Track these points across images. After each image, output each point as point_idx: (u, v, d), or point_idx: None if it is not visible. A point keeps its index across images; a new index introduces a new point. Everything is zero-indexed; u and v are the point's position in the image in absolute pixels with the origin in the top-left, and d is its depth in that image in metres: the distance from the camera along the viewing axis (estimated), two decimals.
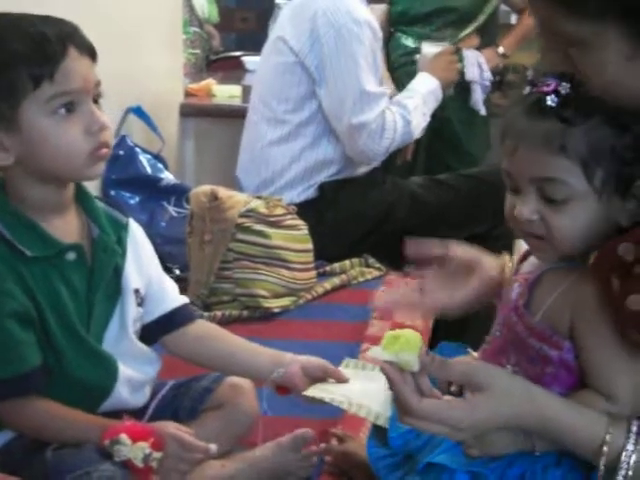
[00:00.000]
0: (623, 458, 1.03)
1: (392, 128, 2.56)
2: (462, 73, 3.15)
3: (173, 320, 1.48)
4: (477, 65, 3.29)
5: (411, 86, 2.77)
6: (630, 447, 1.03)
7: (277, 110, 2.64)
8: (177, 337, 1.49)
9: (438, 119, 2.95)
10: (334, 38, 2.49)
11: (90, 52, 1.28)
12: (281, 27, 2.67)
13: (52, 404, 1.30)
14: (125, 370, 1.37)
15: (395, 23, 3.43)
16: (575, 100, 1.05)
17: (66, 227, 1.33)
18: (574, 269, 1.11)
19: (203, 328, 1.53)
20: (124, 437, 1.21)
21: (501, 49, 3.43)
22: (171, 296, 1.49)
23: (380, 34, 2.62)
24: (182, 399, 1.47)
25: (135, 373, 1.40)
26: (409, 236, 2.64)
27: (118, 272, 1.37)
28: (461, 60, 3.16)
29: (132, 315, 1.39)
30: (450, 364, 1.07)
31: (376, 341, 1.74)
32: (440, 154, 3.35)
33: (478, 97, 3.29)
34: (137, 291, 1.40)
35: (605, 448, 1.03)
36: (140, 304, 1.41)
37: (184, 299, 1.52)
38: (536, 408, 1.05)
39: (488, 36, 3.39)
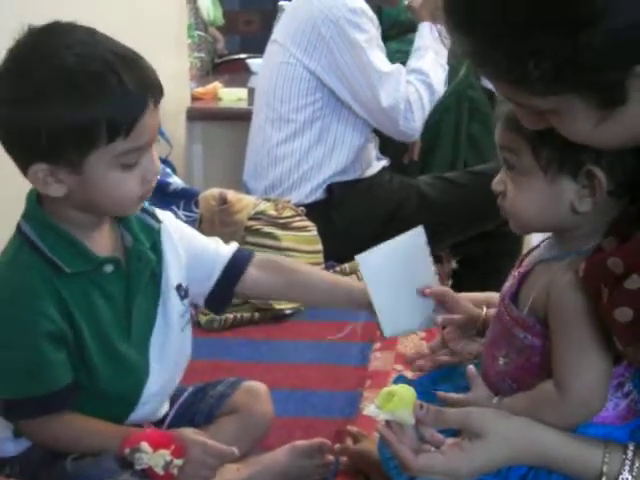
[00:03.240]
0: None
1: (418, 99, 2.60)
2: None
3: (235, 267, 1.49)
4: None
5: (417, 44, 2.77)
6: (626, 474, 1.05)
7: (281, 110, 2.65)
8: (247, 279, 1.49)
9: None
10: (337, 33, 2.51)
11: (160, 100, 1.23)
12: (279, 29, 2.70)
13: (74, 416, 1.30)
14: (155, 382, 1.37)
15: (387, 37, 3.46)
16: None
17: (102, 240, 1.32)
18: (561, 262, 1.13)
19: (265, 258, 1.55)
20: (145, 445, 1.21)
21: None
22: (220, 251, 1.50)
23: (376, 22, 2.61)
24: (199, 404, 1.48)
25: (167, 382, 1.41)
26: None
27: (155, 276, 1.37)
28: None
29: (176, 311, 1.40)
30: (445, 414, 1.11)
31: (387, 341, 1.76)
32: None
33: None
34: (179, 286, 1.41)
35: (604, 478, 1.05)
36: (184, 296, 1.42)
37: (234, 246, 1.52)
38: (533, 445, 1.08)
39: None
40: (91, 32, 1.22)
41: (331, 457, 1.49)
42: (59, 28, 1.22)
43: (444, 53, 2.74)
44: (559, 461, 1.08)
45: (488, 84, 3.28)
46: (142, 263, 1.35)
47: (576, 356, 1.09)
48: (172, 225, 1.44)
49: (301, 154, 2.63)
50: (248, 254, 1.52)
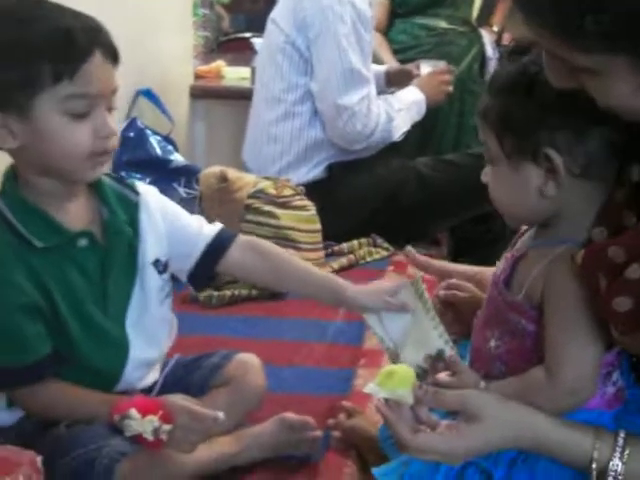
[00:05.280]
0: (610, 471, 1.06)
1: (375, 119, 2.59)
2: (482, 53, 3.21)
3: (217, 247, 1.49)
4: (490, 43, 3.38)
5: (398, 94, 2.80)
6: (617, 461, 1.06)
7: (274, 90, 2.67)
8: (229, 259, 1.50)
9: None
10: (319, 20, 2.52)
11: (114, 58, 1.28)
12: (277, 8, 2.72)
13: (63, 385, 1.32)
14: (137, 353, 1.39)
15: (396, 14, 3.47)
16: (507, 79, 1.15)
17: (77, 212, 1.34)
18: (555, 248, 1.14)
19: (249, 240, 1.55)
20: (133, 412, 1.22)
21: (495, 27, 3.52)
22: (204, 230, 1.50)
23: (368, 17, 2.61)
24: (192, 375, 1.50)
25: (148, 353, 1.43)
26: (417, 215, 2.69)
27: (132, 250, 1.39)
28: (480, 39, 3.25)
29: (155, 285, 1.41)
30: (443, 395, 1.12)
31: None
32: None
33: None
34: (157, 261, 1.42)
35: (594, 464, 1.06)
36: (163, 271, 1.43)
37: (217, 226, 1.53)
38: (527, 430, 1.09)
39: (482, 16, 3.48)
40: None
41: (318, 432, 1.50)
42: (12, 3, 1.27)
43: (414, 115, 2.77)
44: (551, 446, 1.09)
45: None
46: (118, 237, 1.37)
47: (569, 345, 1.10)
48: (154, 200, 1.45)
49: (293, 134, 2.65)
50: (231, 235, 1.53)
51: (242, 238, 1.54)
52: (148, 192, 1.45)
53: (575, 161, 1.10)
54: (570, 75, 0.97)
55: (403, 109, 2.72)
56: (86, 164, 1.29)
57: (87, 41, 1.23)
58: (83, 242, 1.33)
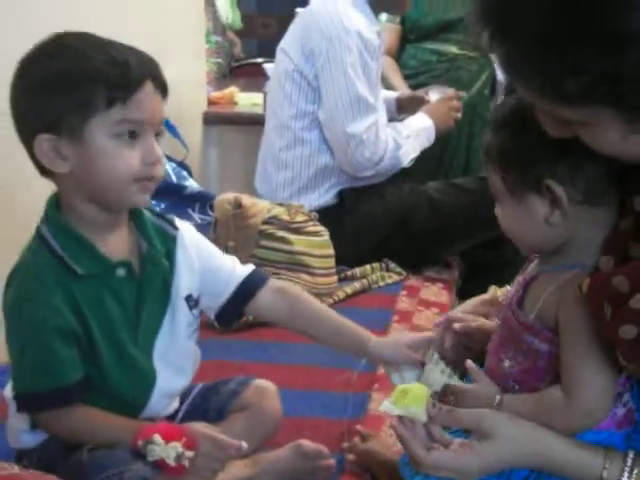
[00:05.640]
0: None
1: (383, 146, 2.62)
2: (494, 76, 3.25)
3: (248, 288, 1.52)
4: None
5: (407, 121, 2.83)
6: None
7: (282, 117, 2.70)
8: (258, 302, 1.53)
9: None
10: (326, 48, 2.56)
11: (163, 91, 1.33)
12: (286, 37, 2.76)
13: (87, 409, 1.34)
14: (163, 383, 1.42)
15: (407, 39, 3.49)
16: (506, 114, 1.18)
17: (117, 242, 1.37)
18: (565, 273, 1.17)
19: (282, 286, 1.58)
20: (157, 437, 1.24)
21: None
22: (236, 270, 1.53)
23: (375, 46, 2.64)
24: (210, 401, 1.52)
25: (174, 384, 1.45)
26: (428, 240, 2.70)
27: (167, 283, 1.41)
28: (491, 64, 3.28)
29: (184, 320, 1.44)
30: (457, 413, 1.15)
31: None
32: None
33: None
34: (189, 296, 1.45)
35: None
36: (193, 307, 1.46)
37: (250, 267, 1.56)
38: (538, 449, 1.12)
39: None
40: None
41: (332, 461, 1.52)
42: (73, 35, 1.33)
43: (423, 142, 2.79)
44: (562, 466, 1.11)
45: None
46: (155, 269, 1.39)
47: (585, 369, 1.12)
48: (191, 236, 1.48)
49: (302, 161, 2.68)
50: (263, 277, 1.56)
51: (274, 282, 1.57)
52: (186, 228, 1.48)
53: (576, 189, 1.12)
54: (563, 126, 1.01)
55: (411, 136, 2.74)
56: (132, 188, 1.31)
57: (140, 71, 1.28)
58: (121, 272, 1.36)
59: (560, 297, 1.16)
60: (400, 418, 1.16)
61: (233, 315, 1.55)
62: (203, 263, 1.48)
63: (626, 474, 1.08)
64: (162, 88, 1.33)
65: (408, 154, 2.72)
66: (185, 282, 1.44)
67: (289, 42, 2.70)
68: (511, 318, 1.23)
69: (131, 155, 1.29)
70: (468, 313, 1.44)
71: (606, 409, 1.14)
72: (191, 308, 1.45)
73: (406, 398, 1.17)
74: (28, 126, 1.30)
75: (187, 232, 1.48)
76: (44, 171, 1.32)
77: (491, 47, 0.97)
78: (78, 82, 1.26)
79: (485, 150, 1.21)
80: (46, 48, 1.30)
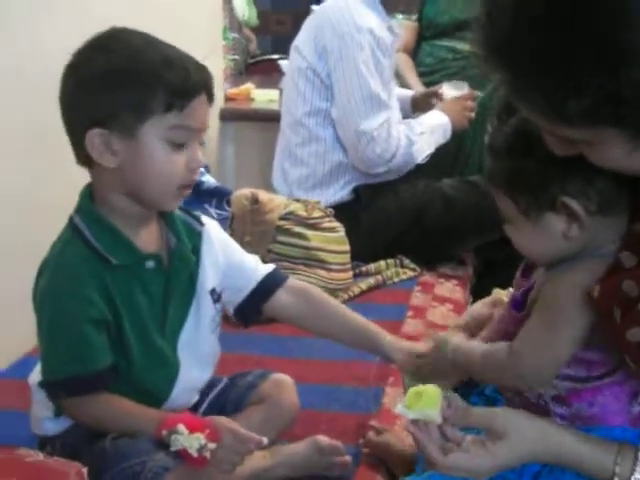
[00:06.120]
0: None
1: (395, 143, 2.62)
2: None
3: (267, 286, 1.56)
4: None
5: (422, 117, 2.84)
6: (638, 475, 1.10)
7: (296, 114, 2.72)
8: (276, 301, 1.57)
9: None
10: (338, 46, 2.58)
11: (212, 100, 1.37)
12: (300, 34, 2.77)
13: (112, 397, 1.37)
14: (186, 376, 1.45)
15: (423, 36, 3.49)
16: (507, 140, 1.18)
17: (148, 236, 1.41)
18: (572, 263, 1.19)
19: (301, 287, 1.61)
20: (182, 427, 1.26)
21: None
22: (258, 267, 1.57)
23: (387, 43, 2.65)
24: (229, 394, 1.55)
25: (196, 377, 1.48)
26: (443, 236, 2.72)
27: (193, 277, 1.45)
28: None
29: (209, 313, 1.48)
30: (470, 413, 1.17)
31: (410, 339, 1.81)
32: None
33: None
34: (213, 290, 1.48)
35: (616, 478, 1.10)
36: (217, 300, 1.49)
37: (270, 266, 1.60)
38: (552, 446, 1.14)
39: None
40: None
41: (348, 458, 1.54)
42: (129, 31, 1.36)
43: (438, 138, 2.79)
44: (575, 460, 1.13)
45: None
46: (183, 263, 1.43)
47: (541, 334, 1.16)
48: (216, 232, 1.52)
49: (317, 157, 2.70)
50: (282, 277, 1.59)
51: (294, 282, 1.60)
52: (211, 225, 1.52)
53: (591, 201, 1.13)
54: (568, 145, 1.02)
55: (426, 132, 2.75)
56: (173, 193, 1.36)
57: (199, 80, 1.32)
58: (151, 264, 1.39)
59: (549, 276, 1.18)
60: (415, 421, 1.18)
61: (252, 312, 1.58)
62: (227, 258, 1.51)
63: (638, 469, 1.10)
64: (211, 98, 1.36)
65: (422, 151, 2.73)
66: (209, 276, 1.47)
67: (302, 40, 2.72)
68: (509, 321, 1.25)
69: (178, 161, 1.33)
70: (475, 317, 1.45)
71: (546, 380, 1.18)
72: (215, 302, 1.49)
73: (420, 401, 1.17)
74: (79, 119, 1.32)
75: (212, 228, 1.52)
76: (83, 160, 1.35)
77: (492, 70, 0.98)
78: (134, 80, 1.28)
79: (489, 177, 1.21)
80: (102, 42, 1.32)
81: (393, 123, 2.64)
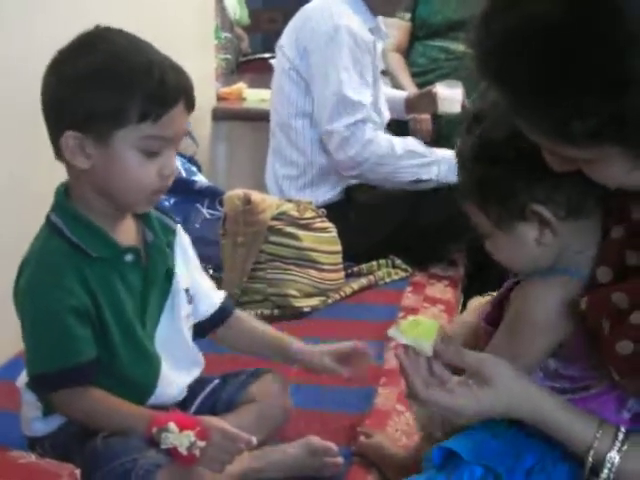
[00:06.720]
0: (607, 462, 1.10)
1: (372, 148, 2.55)
2: None
3: (221, 315, 1.60)
4: None
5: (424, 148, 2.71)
6: (614, 453, 1.10)
7: (283, 114, 2.73)
8: (225, 329, 1.61)
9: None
10: (318, 47, 2.57)
11: (191, 106, 1.35)
12: (284, 34, 2.77)
13: (103, 394, 1.36)
14: (167, 371, 1.45)
15: (416, 36, 3.49)
16: (469, 151, 1.20)
17: (125, 231, 1.42)
18: (557, 278, 1.20)
19: (242, 318, 1.65)
20: (172, 425, 1.26)
21: None
22: (215, 294, 1.60)
23: (366, 41, 2.61)
24: (220, 393, 1.55)
25: (175, 373, 1.48)
26: (434, 235, 2.71)
27: (169, 273, 1.46)
28: None
29: (184, 311, 1.49)
30: (463, 353, 1.17)
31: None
32: None
33: None
34: (187, 290, 1.50)
35: (592, 452, 1.10)
36: (190, 301, 1.51)
37: (224, 293, 1.63)
38: (533, 405, 1.13)
39: None
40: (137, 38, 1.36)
41: (340, 459, 1.54)
42: (114, 31, 1.36)
43: (441, 173, 2.63)
44: (554, 426, 1.12)
45: None
46: (161, 257, 1.44)
47: (506, 344, 1.20)
48: (186, 238, 1.55)
49: (305, 159, 2.70)
50: (231, 308, 1.63)
51: (239, 316, 1.64)
52: (183, 231, 1.54)
53: (559, 206, 1.14)
54: (568, 162, 1.03)
55: (423, 163, 2.62)
56: (146, 198, 1.37)
57: (177, 89, 1.31)
58: (129, 257, 1.40)
59: (520, 289, 1.20)
60: (406, 347, 1.17)
61: (200, 333, 1.59)
62: (194, 272, 1.55)
63: (616, 447, 1.09)
64: (191, 105, 1.35)
65: (413, 173, 2.62)
66: (182, 275, 1.49)
67: (286, 41, 2.72)
68: (484, 333, 1.27)
69: (150, 169, 1.33)
70: (466, 321, 1.46)
71: None
72: (189, 302, 1.50)
73: (416, 329, 1.16)
74: (57, 118, 1.33)
75: (185, 237, 1.54)
76: (60, 156, 1.35)
77: (492, 91, 0.99)
78: (113, 83, 1.29)
79: (461, 192, 1.22)
80: (83, 42, 1.33)
81: (370, 126, 2.58)
